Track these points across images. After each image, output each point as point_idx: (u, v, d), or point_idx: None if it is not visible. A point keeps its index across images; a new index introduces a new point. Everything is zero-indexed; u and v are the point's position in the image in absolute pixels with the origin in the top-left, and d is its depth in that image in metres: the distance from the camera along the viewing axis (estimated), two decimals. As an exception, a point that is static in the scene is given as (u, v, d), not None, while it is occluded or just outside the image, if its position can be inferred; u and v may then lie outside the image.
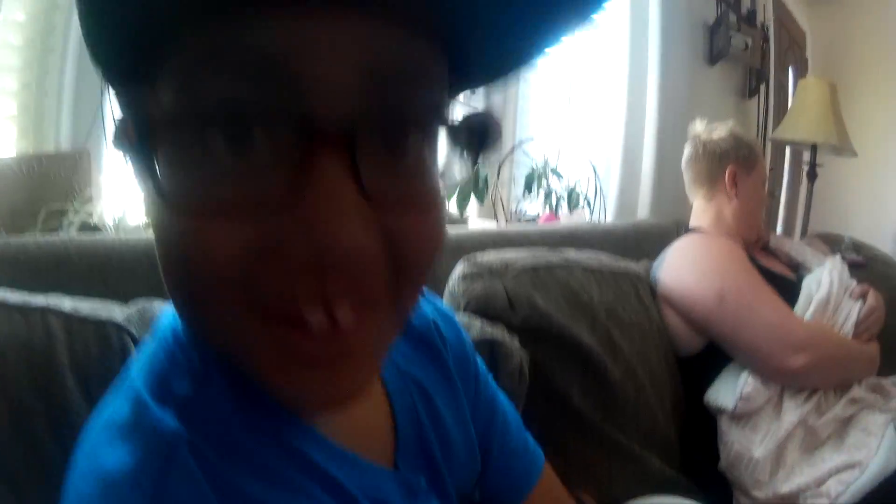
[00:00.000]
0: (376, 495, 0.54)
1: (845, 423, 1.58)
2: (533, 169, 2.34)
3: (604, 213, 2.65)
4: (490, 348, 1.19)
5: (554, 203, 2.37)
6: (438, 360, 0.69)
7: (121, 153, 0.38)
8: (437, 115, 0.43)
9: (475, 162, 0.45)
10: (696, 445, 1.67)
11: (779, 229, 4.09)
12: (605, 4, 0.39)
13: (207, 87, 0.36)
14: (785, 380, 1.59)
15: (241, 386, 0.48)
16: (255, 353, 0.41)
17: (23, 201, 1.54)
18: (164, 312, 0.55)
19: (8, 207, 1.52)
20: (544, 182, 2.34)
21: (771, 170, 4.21)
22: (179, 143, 0.37)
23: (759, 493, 1.52)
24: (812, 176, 3.52)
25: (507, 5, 0.38)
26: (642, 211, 2.74)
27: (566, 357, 1.40)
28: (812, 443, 1.55)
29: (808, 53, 5.28)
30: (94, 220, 1.46)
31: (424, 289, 0.64)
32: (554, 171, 2.36)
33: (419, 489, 0.60)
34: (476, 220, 2.33)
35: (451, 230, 1.69)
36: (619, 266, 1.70)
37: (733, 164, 1.92)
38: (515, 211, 2.44)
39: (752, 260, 1.79)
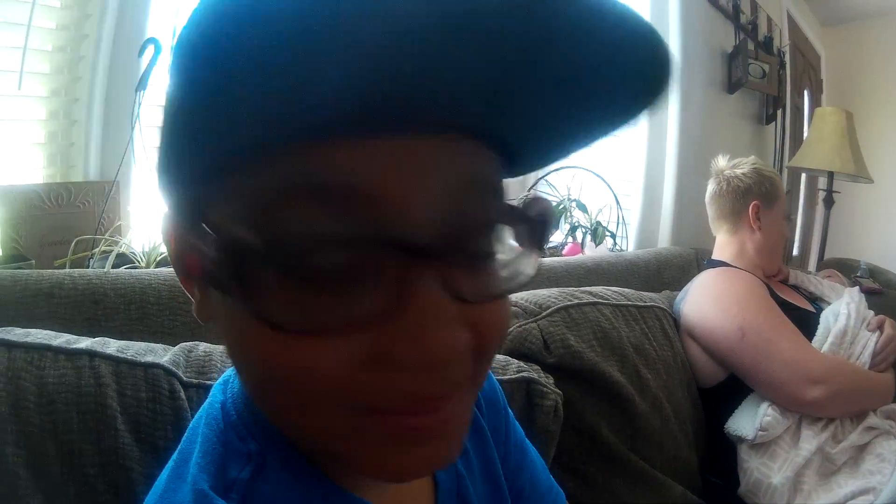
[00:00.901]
0: None
1: (861, 450, 1.61)
2: (558, 202, 2.35)
3: (626, 242, 2.66)
4: (526, 388, 1.20)
5: (581, 237, 2.38)
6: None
7: (205, 274, 0.40)
8: (503, 211, 0.46)
9: (542, 247, 0.49)
10: (716, 472, 1.72)
11: (794, 253, 4.08)
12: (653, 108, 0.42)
13: (301, 219, 0.37)
14: (803, 410, 1.63)
15: (297, 469, 0.50)
16: (353, 440, 0.43)
17: (51, 230, 1.55)
18: (213, 391, 0.57)
19: (37, 236, 1.53)
20: (569, 215, 2.34)
21: (787, 192, 4.22)
22: (274, 268, 0.38)
23: None
24: (829, 203, 3.53)
25: (562, 120, 0.42)
26: (663, 240, 2.76)
27: (597, 393, 1.43)
28: (828, 469, 1.59)
29: (823, 75, 5.30)
30: (124, 249, 1.46)
31: None
32: (578, 205, 2.37)
33: None
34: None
35: None
36: (645, 301, 1.74)
37: (756, 199, 1.97)
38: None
39: (772, 293, 1.84)
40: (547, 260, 1.98)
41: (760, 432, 1.61)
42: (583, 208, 2.38)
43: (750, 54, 3.38)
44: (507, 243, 0.47)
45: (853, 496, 1.51)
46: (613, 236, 2.53)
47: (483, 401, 0.73)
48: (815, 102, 5.08)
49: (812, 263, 4.30)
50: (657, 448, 1.53)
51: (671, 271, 2.22)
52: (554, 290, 1.54)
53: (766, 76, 3.47)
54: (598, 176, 2.56)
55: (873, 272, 2.94)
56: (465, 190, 0.41)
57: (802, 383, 1.61)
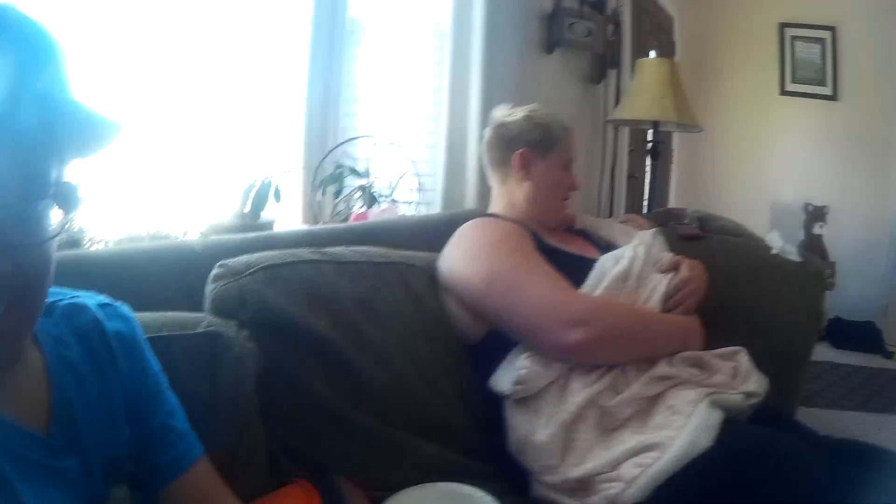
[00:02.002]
0: (18, 452, 0.76)
1: (652, 402, 1.53)
2: (336, 169, 2.36)
3: (427, 207, 2.69)
4: (212, 341, 1.27)
5: (353, 201, 2.39)
6: (94, 350, 0.92)
7: None
8: (52, 189, 0.72)
9: (71, 211, 0.76)
10: (489, 431, 1.65)
11: (644, 210, 4.18)
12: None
13: None
14: (565, 356, 1.57)
15: None
16: None
17: None
18: None
19: None
20: (343, 181, 2.35)
21: (631, 151, 4.31)
22: None
23: (549, 478, 1.49)
24: (654, 154, 3.58)
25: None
26: (470, 202, 2.78)
27: (304, 349, 1.44)
28: (609, 424, 1.52)
29: (676, 37, 5.45)
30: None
31: (96, 295, 0.98)
32: (352, 171, 2.37)
33: (59, 449, 0.83)
34: (288, 224, 2.36)
35: (241, 235, 1.74)
36: (387, 258, 1.72)
37: (525, 148, 1.93)
38: (333, 212, 2.45)
39: (542, 242, 1.79)
40: (317, 227, 1.99)
41: (517, 386, 1.55)
42: (357, 174, 2.39)
43: (573, 14, 3.41)
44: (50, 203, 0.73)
45: (634, 452, 1.43)
46: (382, 199, 2.52)
47: (114, 343, 0.94)
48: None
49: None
50: (393, 405, 1.53)
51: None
52: (274, 252, 1.53)
53: (591, 35, 3.49)
54: (391, 143, 2.58)
55: (704, 220, 2.97)
56: (28, 179, 0.69)
57: (560, 327, 1.55)
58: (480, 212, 2.11)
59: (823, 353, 4.57)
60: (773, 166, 5.44)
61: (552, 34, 3.34)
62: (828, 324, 4.78)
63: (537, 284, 1.63)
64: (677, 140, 5.29)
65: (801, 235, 4.86)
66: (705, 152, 5.45)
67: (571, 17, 3.38)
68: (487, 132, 2.04)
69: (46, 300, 0.79)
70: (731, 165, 5.49)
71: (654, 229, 2.04)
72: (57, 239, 0.77)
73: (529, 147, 1.94)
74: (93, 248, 1.70)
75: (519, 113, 1.99)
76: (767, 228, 5.09)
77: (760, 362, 1.68)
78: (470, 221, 1.86)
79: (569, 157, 2.02)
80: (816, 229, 4.86)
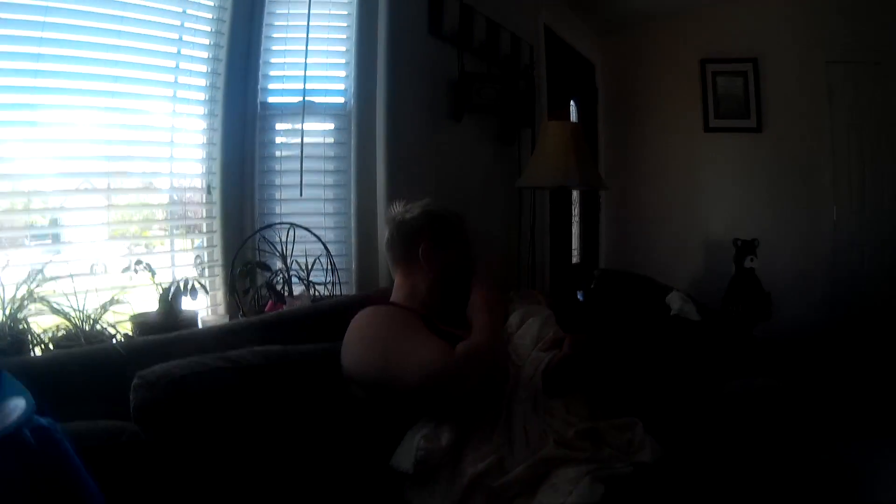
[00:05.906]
0: None
1: (541, 481, 1.65)
2: (245, 264, 2.61)
3: (342, 287, 2.94)
4: (134, 450, 1.55)
5: (260, 294, 2.64)
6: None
7: None
8: None
9: None
10: None
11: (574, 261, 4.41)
12: None
13: None
14: (466, 365, 1.74)
15: None
16: None
17: None
18: None
19: None
20: (255, 275, 2.60)
21: (553, 208, 4.51)
22: None
23: None
24: (583, 216, 3.73)
25: None
26: (384, 281, 2.99)
27: (210, 457, 1.66)
28: (499, 503, 1.64)
29: (598, 83, 5.73)
30: None
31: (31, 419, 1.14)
32: (259, 265, 2.62)
33: None
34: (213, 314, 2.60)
35: (162, 336, 2.02)
36: (287, 357, 1.94)
37: (427, 241, 2.15)
38: (250, 301, 2.69)
39: (435, 326, 1.96)
40: (227, 324, 2.24)
41: (418, 464, 1.70)
42: (266, 268, 2.64)
43: (483, 78, 3.64)
44: None
45: None
46: (298, 282, 2.79)
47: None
48: (589, 111, 5.50)
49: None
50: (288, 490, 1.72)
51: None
52: (183, 361, 1.76)
53: (500, 98, 3.71)
54: (305, 229, 2.84)
55: (610, 276, 3.21)
56: None
57: (450, 353, 1.76)
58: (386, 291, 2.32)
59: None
60: (703, 203, 5.74)
61: (460, 101, 3.53)
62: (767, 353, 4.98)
63: (425, 345, 1.83)
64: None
65: (732, 270, 5.12)
66: (635, 194, 5.71)
67: (478, 82, 3.58)
68: (386, 230, 2.24)
69: None
70: (661, 205, 5.80)
71: (546, 311, 2.25)
72: None
73: (431, 240, 2.15)
74: (34, 354, 1.96)
75: (417, 208, 2.21)
76: (701, 266, 5.41)
77: (663, 426, 1.87)
78: (362, 310, 2.04)
79: (468, 245, 2.26)
80: (747, 263, 5.06)
